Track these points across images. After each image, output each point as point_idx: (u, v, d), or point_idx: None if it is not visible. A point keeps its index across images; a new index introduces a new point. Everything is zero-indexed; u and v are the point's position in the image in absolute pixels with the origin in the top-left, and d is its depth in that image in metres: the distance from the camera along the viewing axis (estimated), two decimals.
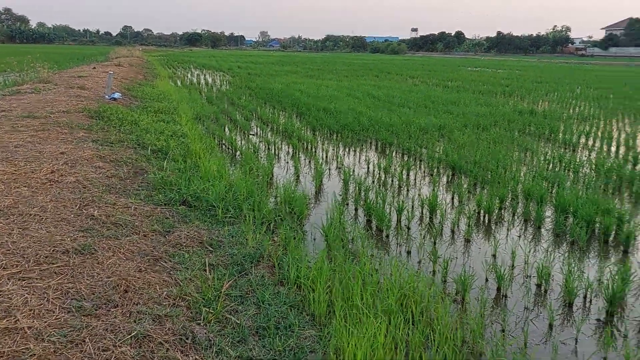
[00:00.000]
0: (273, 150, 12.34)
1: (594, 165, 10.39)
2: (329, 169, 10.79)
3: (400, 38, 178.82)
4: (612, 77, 40.02)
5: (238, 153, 11.83)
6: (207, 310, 4.33)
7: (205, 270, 5.15)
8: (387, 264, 5.91)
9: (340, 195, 8.90)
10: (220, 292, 4.68)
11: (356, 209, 8.20)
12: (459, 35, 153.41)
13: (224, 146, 12.62)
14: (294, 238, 6.35)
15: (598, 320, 5.03)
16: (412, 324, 4.48)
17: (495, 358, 4.12)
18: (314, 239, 6.83)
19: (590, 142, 13.62)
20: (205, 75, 38.71)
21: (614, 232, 7.07)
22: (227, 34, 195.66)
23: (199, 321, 4.18)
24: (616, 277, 5.37)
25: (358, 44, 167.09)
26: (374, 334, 4.03)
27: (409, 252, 6.56)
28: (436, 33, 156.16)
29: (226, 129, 14.68)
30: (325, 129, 14.89)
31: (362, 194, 8.72)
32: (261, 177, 9.34)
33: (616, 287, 5.18)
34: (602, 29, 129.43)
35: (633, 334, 4.78)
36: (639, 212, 8.09)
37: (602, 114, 18.55)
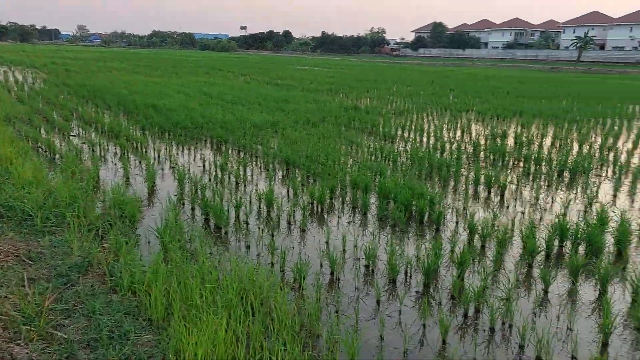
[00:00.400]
0: (98, 152, 11.53)
1: (409, 155, 11.51)
2: (162, 169, 10.42)
3: (230, 36, 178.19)
4: (422, 75, 44.59)
5: (58, 156, 10.83)
6: (28, 328, 3.94)
7: (24, 286, 4.66)
8: (227, 260, 5.94)
9: (176, 195, 8.66)
10: (43, 307, 4.28)
11: (193, 209, 8.06)
12: (287, 34, 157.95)
13: (40, 150, 11.45)
14: (126, 243, 6.05)
15: (417, 292, 5.63)
16: (253, 316, 4.57)
17: (330, 337, 4.39)
18: (149, 243, 6.57)
19: (406, 134, 15.05)
20: (14, 72, 34.55)
21: (427, 213, 7.93)
22: (38, 27, 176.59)
23: (18, 341, 3.79)
24: (430, 252, 6.05)
25: (187, 41, 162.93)
26: (215, 330, 4.04)
27: (248, 247, 6.65)
28: (265, 32, 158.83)
29: (42, 131, 13.32)
30: (156, 127, 14.31)
31: (199, 192, 8.59)
32: (86, 182, 8.67)
33: (431, 261, 5.84)
34: (412, 31, 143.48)
35: (445, 301, 5.44)
36: (447, 194, 9.19)
37: (415, 108, 20.59)
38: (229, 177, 9.88)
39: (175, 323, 4.18)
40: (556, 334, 4.81)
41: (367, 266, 6.18)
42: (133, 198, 7.68)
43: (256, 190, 8.85)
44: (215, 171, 10.23)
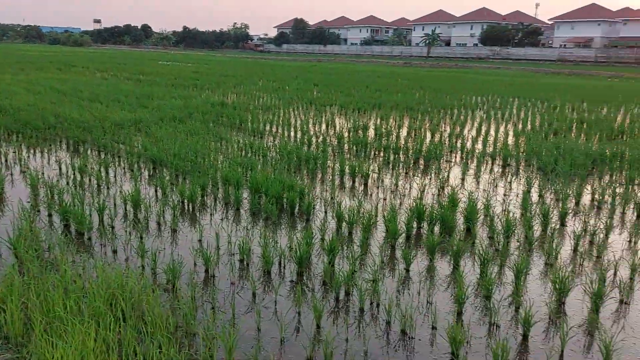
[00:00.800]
0: None
1: (278, 149, 11.71)
2: (12, 174, 9.50)
3: (82, 29, 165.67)
4: (286, 70, 45.28)
5: None
6: None
7: None
8: (92, 267, 5.62)
9: (29, 202, 7.96)
10: None
11: (50, 215, 7.47)
12: (146, 28, 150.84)
13: None
14: None
15: (292, 281, 5.80)
16: (124, 322, 4.40)
17: (207, 334, 4.38)
18: (0, 255, 5.98)
19: (274, 129, 15.25)
20: None
21: (298, 204, 8.16)
22: None
23: None
24: (302, 242, 6.26)
25: (33, 35, 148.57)
26: (82, 341, 3.83)
27: (115, 251, 6.34)
28: (122, 26, 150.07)
29: None
30: (1, 129, 12.95)
31: (56, 197, 7.98)
32: None
33: (302, 251, 6.04)
34: (275, 27, 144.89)
35: (318, 287, 5.68)
36: (316, 185, 9.52)
37: (281, 104, 20.91)
38: (90, 180, 9.30)
39: (37, 338, 3.89)
40: (418, 308, 5.26)
41: (241, 260, 6.22)
42: None
43: (121, 192, 8.44)
44: (74, 174, 9.56)
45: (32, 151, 11.30)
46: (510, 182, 10.12)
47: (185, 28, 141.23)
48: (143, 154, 10.75)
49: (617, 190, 9.36)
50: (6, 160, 10.40)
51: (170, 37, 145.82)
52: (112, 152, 11.29)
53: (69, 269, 5.15)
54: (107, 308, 4.41)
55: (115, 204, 7.98)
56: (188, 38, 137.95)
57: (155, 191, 8.84)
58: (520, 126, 16.54)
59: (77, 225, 6.86)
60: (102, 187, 8.97)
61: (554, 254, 6.50)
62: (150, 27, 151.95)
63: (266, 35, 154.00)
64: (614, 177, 10.56)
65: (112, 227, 7.11)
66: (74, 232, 6.90)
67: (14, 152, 11.01)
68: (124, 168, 10.28)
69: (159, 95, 20.64)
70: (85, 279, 5.18)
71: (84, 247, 6.43)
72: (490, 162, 11.72)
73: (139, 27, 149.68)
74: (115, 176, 9.68)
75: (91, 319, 4.17)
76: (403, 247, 6.64)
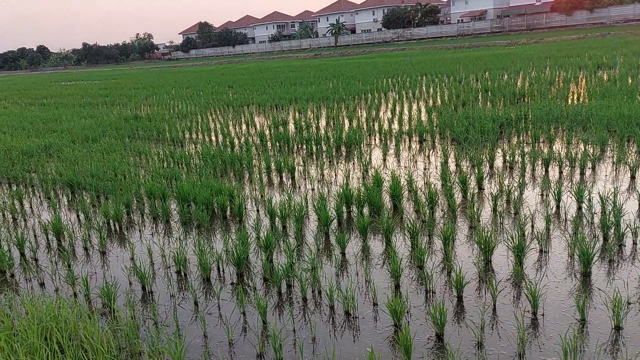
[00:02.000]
0: None
1: (201, 155, 11.55)
2: None
3: None
4: (198, 76, 44.47)
5: None
6: None
7: None
8: (20, 304, 5.35)
9: None
10: None
11: None
12: (43, 49, 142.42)
13: None
14: None
15: (232, 283, 5.80)
16: (62, 353, 4.25)
17: (152, 350, 4.32)
18: None
19: (194, 136, 15.01)
20: None
21: (229, 207, 8.13)
22: None
23: None
24: (238, 243, 6.26)
25: None
26: None
27: (42, 284, 6.06)
28: (16, 50, 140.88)
29: None
30: None
31: None
32: None
33: (239, 251, 6.05)
34: (180, 33, 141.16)
35: (259, 285, 5.72)
36: (245, 186, 9.50)
37: (198, 109, 20.56)
38: (4, 214, 8.78)
39: None
40: (358, 288, 5.44)
41: (178, 272, 6.14)
42: None
43: (40, 222, 8.05)
44: None
45: None
46: (428, 156, 10.57)
47: (85, 45, 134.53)
48: (59, 179, 10.27)
49: (525, 149, 10.02)
50: None
51: (70, 56, 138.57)
52: (24, 182, 10.70)
53: None
54: (42, 343, 4.24)
55: (35, 235, 7.62)
56: (90, 55, 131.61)
57: (77, 216, 8.50)
58: (431, 102, 17.24)
59: None
60: (18, 220, 8.51)
61: (475, 217, 6.90)
62: (47, 48, 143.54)
63: (172, 42, 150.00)
64: (521, 138, 11.29)
65: (36, 260, 6.78)
66: None
67: None
68: (39, 197, 9.78)
69: (67, 117, 19.70)
70: (14, 317, 4.94)
71: (8, 285, 6.10)
72: (407, 140, 12.16)
73: (34, 50, 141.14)
74: (31, 207, 9.20)
75: (26, 357, 4.00)
76: (336, 233, 6.80)
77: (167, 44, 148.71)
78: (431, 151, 10.97)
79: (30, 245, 7.06)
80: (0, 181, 11.04)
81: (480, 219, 6.96)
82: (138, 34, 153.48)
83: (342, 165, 10.43)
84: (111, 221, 7.99)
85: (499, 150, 10.21)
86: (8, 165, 11.83)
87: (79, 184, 9.84)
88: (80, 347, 4.33)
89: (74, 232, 7.56)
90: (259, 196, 8.76)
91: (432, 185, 8.17)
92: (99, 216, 8.24)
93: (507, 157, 9.55)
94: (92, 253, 6.96)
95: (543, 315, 4.71)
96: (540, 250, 5.97)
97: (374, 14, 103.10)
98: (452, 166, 9.60)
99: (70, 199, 9.51)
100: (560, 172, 8.74)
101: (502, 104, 15.35)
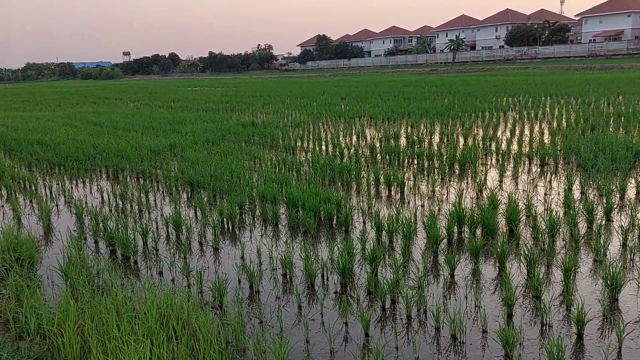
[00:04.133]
0: None
1: (311, 164, 11.78)
2: (57, 205, 9.82)
3: (112, 63, 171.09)
4: (312, 87, 45.65)
5: None
6: None
7: None
8: (141, 288, 5.75)
9: (76, 230, 8.21)
10: None
11: (96, 242, 7.70)
12: (174, 56, 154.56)
13: None
14: (28, 286, 5.67)
15: (336, 292, 5.80)
16: (176, 339, 4.48)
17: (257, 348, 4.41)
18: (53, 282, 6.19)
19: (306, 144, 15.37)
20: None
21: (335, 216, 8.18)
22: None
23: None
24: (343, 253, 6.26)
25: (67, 71, 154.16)
26: (138, 359, 3.92)
27: (161, 273, 6.47)
28: (150, 56, 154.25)
29: None
30: (44, 163, 13.44)
31: (101, 224, 8.22)
32: None
33: (344, 261, 6.04)
34: (298, 45, 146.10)
35: (363, 297, 5.66)
36: (352, 196, 9.52)
37: (310, 119, 21.06)
38: (131, 206, 9.54)
39: (95, 359, 4.00)
40: (466, 312, 5.19)
41: (284, 275, 6.26)
42: (28, 239, 7.19)
43: (162, 215, 8.62)
44: (116, 201, 9.84)
45: (74, 182, 11.67)
46: (550, 181, 9.91)
47: (211, 53, 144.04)
48: (180, 177, 10.97)
49: None
50: (51, 193, 10.77)
51: (197, 64, 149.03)
52: (151, 177, 11.56)
53: (120, 292, 5.28)
54: (159, 327, 4.50)
55: (157, 227, 8.16)
56: (214, 63, 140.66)
57: (195, 212, 9.01)
58: (555, 124, 16.20)
59: (123, 250, 7.04)
60: (143, 211, 9.19)
61: (602, 250, 6.33)
62: (177, 55, 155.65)
63: (290, 54, 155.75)
64: None
65: (157, 250, 7.26)
66: (120, 256, 7.08)
67: (58, 184, 11.39)
68: (162, 192, 10.51)
69: (191, 120, 21.08)
70: (135, 301, 5.30)
71: (131, 271, 6.59)
72: (527, 162, 11.51)
73: (166, 56, 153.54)
74: (155, 200, 9.90)
75: (145, 339, 4.27)
76: (446, 252, 6.56)
77: (285, 55, 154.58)
78: (553, 176, 10.28)
79: (153, 235, 7.59)
80: (130, 175, 12.02)
81: (607, 253, 6.36)
82: (259, 44, 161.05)
83: (454, 183, 10.10)
84: (225, 220, 8.36)
85: (632, 181, 9.32)
86: (137, 161, 12.87)
87: (198, 183, 10.44)
88: (192, 336, 4.54)
89: (191, 227, 8.01)
90: (366, 208, 8.72)
91: (554, 212, 7.63)
92: (214, 214, 8.66)
93: None
94: (206, 249, 7.32)
95: None
96: None
97: (496, 31, 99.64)
98: (576, 194, 8.91)
99: (189, 195, 10.11)
100: None
101: (638, 131, 14.04)
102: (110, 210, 9.30)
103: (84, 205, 9.17)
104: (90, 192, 10.78)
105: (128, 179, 11.58)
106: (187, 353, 4.20)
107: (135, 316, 4.78)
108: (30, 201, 10.21)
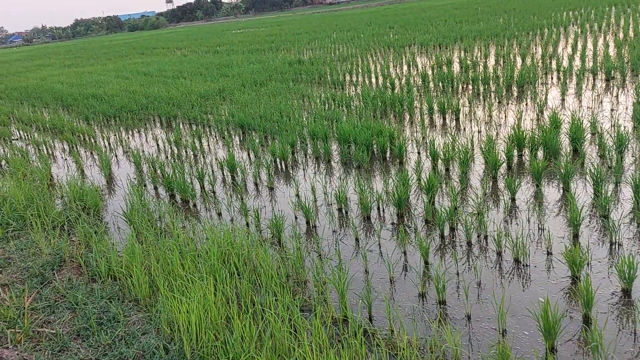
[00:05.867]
0: (46, 151, 11.10)
1: (361, 98, 11.52)
2: (116, 156, 10.14)
3: (157, 12, 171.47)
4: (359, 19, 44.16)
5: (3, 163, 10.38)
6: (13, 330, 3.86)
7: None
8: (201, 229, 5.90)
9: (135, 178, 8.47)
10: (24, 308, 4.19)
11: (156, 188, 7.92)
12: (216, 0, 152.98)
13: None
14: (95, 232, 5.94)
15: (392, 223, 5.74)
16: (238, 275, 4.59)
17: (317, 280, 4.46)
18: (119, 228, 6.45)
19: (354, 78, 15.01)
20: None
21: (388, 149, 8.02)
22: None
23: (5, 345, 3.71)
24: (398, 184, 6.15)
25: (114, 25, 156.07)
26: (204, 295, 4.05)
27: (219, 214, 6.61)
28: (192, 1, 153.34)
29: None
30: (100, 116, 13.84)
31: (159, 171, 8.43)
32: (39, 181, 8.38)
33: (400, 192, 5.94)
34: None
35: (421, 226, 5.58)
36: (405, 128, 9.28)
37: (358, 52, 20.48)
38: (186, 151, 9.71)
39: (162, 297, 4.16)
40: (529, 235, 5.02)
41: (339, 209, 6.24)
42: (92, 188, 7.48)
43: (216, 159, 8.74)
44: (171, 148, 10.04)
45: (130, 132, 11.98)
46: (616, 96, 9.26)
47: None
48: (231, 120, 11.02)
49: None
50: (109, 144, 11.11)
51: (240, 5, 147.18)
52: (202, 122, 11.69)
53: (181, 234, 5.43)
54: (221, 265, 4.62)
55: (212, 171, 8.29)
56: (257, 3, 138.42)
57: (248, 154, 9.07)
58: (621, 35, 15.00)
59: (181, 194, 7.21)
60: (198, 156, 9.34)
61: None
62: None
63: None
64: None
65: (214, 192, 7.40)
66: (179, 201, 7.27)
67: (115, 135, 11.72)
68: (215, 136, 10.62)
69: (237, 63, 20.98)
70: (197, 241, 5.46)
71: (191, 213, 6.76)
72: (591, 78, 10.78)
73: (209, 1, 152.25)
74: (208, 145, 10.03)
75: (209, 276, 4.39)
76: (505, 177, 6.32)
77: None
78: (620, 90, 9.59)
79: (209, 179, 7.71)
80: (183, 121, 12.20)
81: None
82: None
83: (512, 106, 9.63)
84: (278, 160, 8.38)
85: None
86: (188, 107, 13.00)
87: (249, 125, 10.46)
88: (253, 272, 4.64)
89: (245, 168, 8.08)
90: (421, 138, 8.49)
91: (622, 127, 7.15)
92: (267, 155, 8.69)
93: None
94: (262, 188, 7.39)
95: None
96: None
97: None
98: None
99: (241, 138, 10.17)
100: None
101: None
102: (167, 157, 9.51)
103: (141, 154, 9.42)
104: (147, 141, 11.04)
105: (181, 126, 11.75)
106: (249, 288, 4.30)
107: (197, 255, 4.92)
108: (91, 153, 10.58)
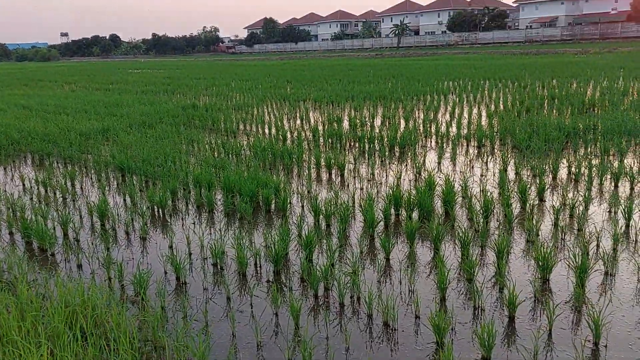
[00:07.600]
0: None
1: (252, 147, 11.41)
2: None
3: (49, 44, 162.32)
4: (259, 70, 44.81)
5: None
6: None
7: None
8: (54, 284, 5.30)
9: None
10: None
11: (11, 233, 7.12)
12: (115, 38, 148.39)
13: None
14: None
15: (268, 281, 5.55)
16: (85, 340, 4.10)
17: (176, 345, 4.10)
18: None
19: (248, 128, 14.95)
20: None
21: (273, 201, 7.90)
22: None
23: None
24: (278, 239, 6.01)
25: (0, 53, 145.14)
26: None
27: (79, 266, 6.02)
28: (90, 37, 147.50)
29: None
30: None
31: (18, 214, 7.62)
32: None
33: (278, 248, 5.79)
34: (245, 28, 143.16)
35: (296, 285, 5.43)
36: (292, 180, 9.27)
37: (254, 102, 20.57)
38: (55, 193, 8.93)
39: None
40: (400, 297, 5.06)
41: (215, 264, 5.95)
42: None
43: (87, 203, 8.09)
44: (38, 189, 9.19)
45: None
46: (486, 162, 9.98)
47: (154, 35, 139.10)
48: (111, 162, 10.38)
49: (593, 162, 9.28)
50: None
51: (140, 46, 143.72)
52: (79, 162, 10.90)
53: (27, 289, 4.83)
54: (66, 328, 4.11)
55: (81, 216, 7.65)
56: (158, 45, 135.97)
57: (124, 199, 8.52)
58: (492, 107, 16.45)
59: (39, 242, 6.52)
60: (67, 200, 8.61)
61: (534, 230, 6.36)
62: (118, 37, 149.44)
63: (237, 36, 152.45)
64: (589, 150, 10.48)
65: (77, 241, 6.78)
66: (37, 249, 6.56)
67: None
68: (91, 178, 9.91)
69: (128, 103, 20.17)
70: (46, 298, 4.87)
71: (47, 264, 6.11)
72: (465, 144, 11.58)
73: (107, 38, 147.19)
74: (82, 187, 9.31)
75: (48, 341, 3.88)
76: (382, 236, 6.42)
77: (232, 38, 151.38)
78: (489, 157, 10.36)
79: (74, 226, 7.07)
80: (57, 160, 11.30)
81: (540, 233, 6.40)
82: (205, 26, 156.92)
83: (394, 166, 10.01)
84: (155, 207, 7.94)
85: (564, 161, 9.50)
86: (66, 145, 12.11)
87: (129, 168, 9.90)
88: (103, 335, 4.18)
89: (118, 215, 7.54)
90: (306, 192, 8.49)
91: (489, 193, 7.64)
92: (144, 201, 8.21)
93: (573, 169, 8.86)
94: (133, 238, 6.90)
95: (606, 346, 4.18)
96: (606, 273, 5.39)
97: (439, 16, 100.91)
98: (511, 174, 9.00)
99: (119, 182, 9.57)
100: (632, 189, 8.00)
101: (570, 113, 14.43)
102: (31, 199, 8.67)
103: (1, 194, 8.50)
104: (11, 180, 10.05)
105: (54, 165, 10.87)
106: (95, 355, 3.84)
107: (43, 315, 4.37)
108: None
